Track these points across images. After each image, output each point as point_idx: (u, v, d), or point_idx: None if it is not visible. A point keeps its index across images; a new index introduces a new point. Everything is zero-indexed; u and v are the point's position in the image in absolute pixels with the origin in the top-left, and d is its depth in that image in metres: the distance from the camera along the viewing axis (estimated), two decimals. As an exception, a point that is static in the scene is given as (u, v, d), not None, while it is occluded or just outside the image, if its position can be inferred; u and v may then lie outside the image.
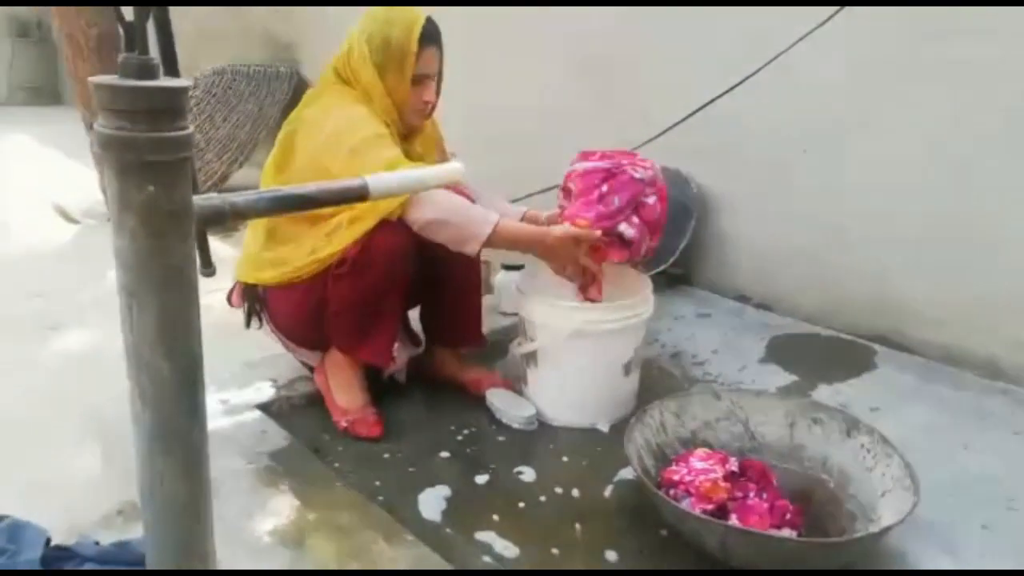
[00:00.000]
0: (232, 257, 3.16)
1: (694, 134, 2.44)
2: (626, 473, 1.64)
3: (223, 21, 5.08)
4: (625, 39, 2.79)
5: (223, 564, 0.89)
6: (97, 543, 1.53)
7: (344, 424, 1.80)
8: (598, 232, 1.76)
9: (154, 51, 0.74)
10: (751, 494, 1.43)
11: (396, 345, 1.86)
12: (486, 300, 2.12)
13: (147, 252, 0.72)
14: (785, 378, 2.05)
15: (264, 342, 1.98)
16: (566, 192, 1.88)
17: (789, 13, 2.25)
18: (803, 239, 2.44)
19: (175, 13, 0.84)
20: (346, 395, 1.83)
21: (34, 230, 3.99)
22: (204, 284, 0.81)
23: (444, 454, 1.73)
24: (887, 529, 1.26)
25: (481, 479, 1.64)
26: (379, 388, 1.92)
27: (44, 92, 8.42)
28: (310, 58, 4.48)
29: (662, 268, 2.56)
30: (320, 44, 4.36)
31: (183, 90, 0.70)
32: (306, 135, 1.73)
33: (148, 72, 0.69)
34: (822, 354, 2.21)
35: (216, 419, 1.71)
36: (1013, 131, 1.96)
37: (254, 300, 1.85)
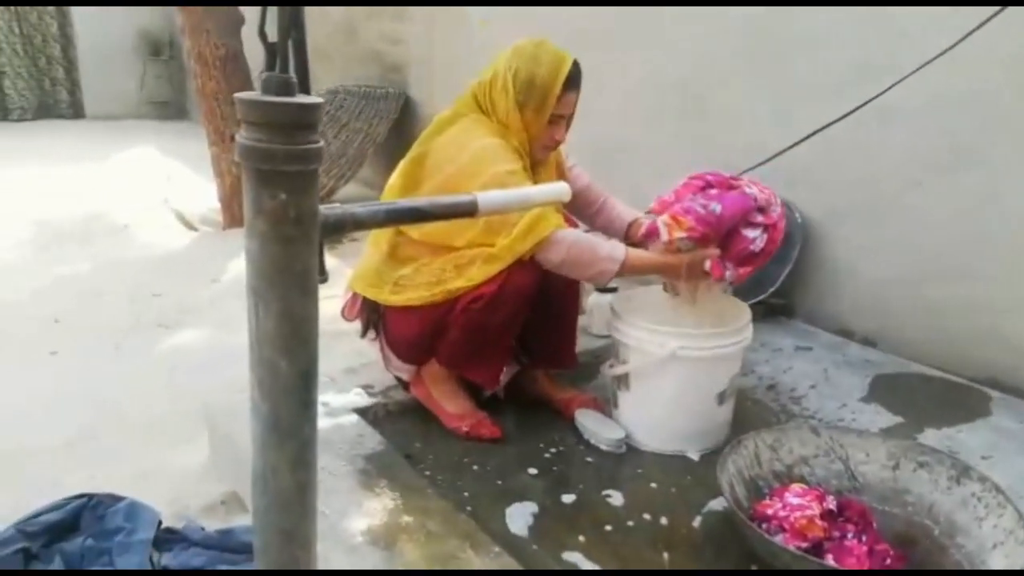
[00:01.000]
0: (337, 268, 3.32)
1: (800, 162, 2.39)
2: (715, 504, 1.61)
3: (337, 44, 5.33)
4: (726, 65, 2.77)
5: (319, 558, 0.93)
6: (203, 529, 1.62)
7: (465, 428, 1.85)
8: (717, 251, 1.75)
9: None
10: (849, 535, 1.38)
11: (504, 369, 1.91)
12: (579, 321, 2.13)
13: (275, 256, 0.77)
14: (889, 419, 1.97)
15: (364, 350, 2.05)
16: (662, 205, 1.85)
17: (900, 43, 2.18)
18: (912, 273, 2.34)
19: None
20: (455, 403, 1.89)
21: (155, 234, 4.26)
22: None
23: (532, 470, 1.75)
24: (998, 583, 1.20)
25: (568, 498, 1.64)
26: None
27: (171, 107, 9.02)
28: (417, 80, 4.64)
29: (762, 298, 2.50)
30: (426, 66, 4.52)
31: (318, 106, 0.75)
32: (440, 160, 1.77)
33: (287, 89, 0.75)
34: (930, 396, 2.11)
35: (318, 420, 1.78)
36: None
37: (373, 313, 1.90)
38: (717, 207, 1.73)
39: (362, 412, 1.88)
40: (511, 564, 1.34)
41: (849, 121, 2.22)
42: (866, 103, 2.16)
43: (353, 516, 1.45)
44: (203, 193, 4.67)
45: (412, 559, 1.33)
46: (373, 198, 2.01)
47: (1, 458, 2.00)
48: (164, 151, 6.64)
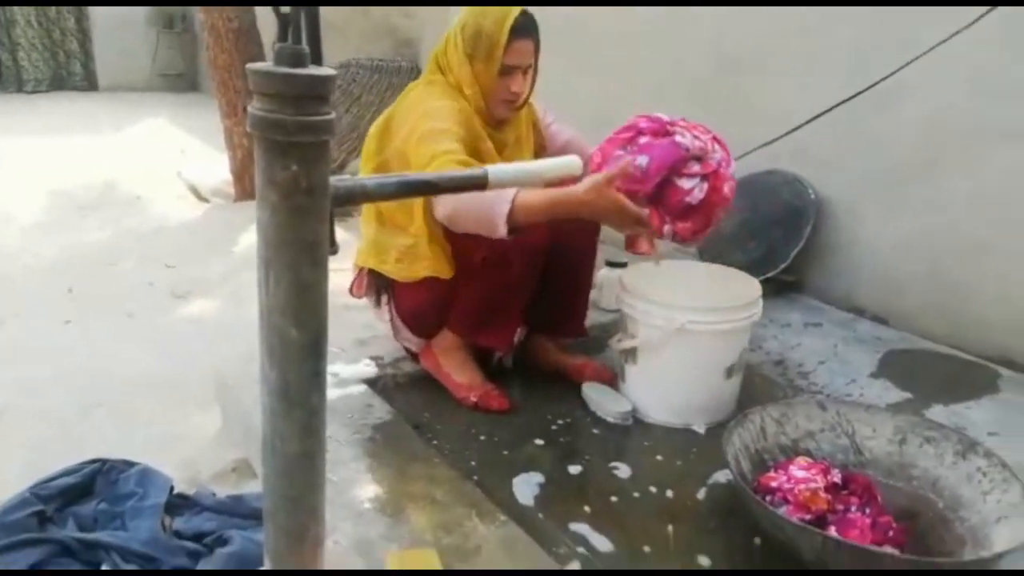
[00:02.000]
0: (347, 240, 3.33)
1: (813, 139, 2.37)
2: (720, 476, 1.62)
3: (349, 16, 5.29)
4: (751, 40, 2.74)
5: (327, 525, 0.95)
6: (214, 494, 1.65)
7: (474, 399, 1.86)
8: (623, 163, 1.54)
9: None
10: (853, 508, 1.39)
11: (518, 330, 1.92)
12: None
13: (286, 226, 0.77)
14: (897, 395, 1.97)
15: (374, 322, 2.07)
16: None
17: (921, 18, 2.15)
18: (927, 251, 2.33)
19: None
20: (464, 374, 1.91)
21: (167, 206, 4.29)
22: (325, 262, 0.87)
23: (539, 441, 1.76)
24: (1000, 555, 1.20)
25: (575, 469, 1.66)
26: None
27: (183, 80, 9.03)
28: (430, 53, 4.61)
29: (771, 274, 2.50)
30: (440, 39, 4.48)
31: (330, 78, 0.75)
32: (399, 124, 1.79)
33: (299, 60, 0.75)
34: (940, 373, 2.11)
35: (327, 390, 1.80)
36: None
37: (381, 285, 1.93)
38: (644, 160, 1.57)
39: (371, 383, 1.90)
40: (517, 533, 1.36)
41: (863, 98, 2.20)
42: (883, 79, 2.14)
43: (361, 484, 1.48)
44: (215, 165, 4.69)
45: (419, 526, 1.36)
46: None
47: (16, 423, 2.04)
48: (177, 123, 6.66)
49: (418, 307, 1.87)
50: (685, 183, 1.58)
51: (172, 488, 1.64)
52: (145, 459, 1.74)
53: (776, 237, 2.60)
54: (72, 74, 8.65)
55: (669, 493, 1.59)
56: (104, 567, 1.41)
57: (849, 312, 2.51)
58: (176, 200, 4.41)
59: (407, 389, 1.95)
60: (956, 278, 2.27)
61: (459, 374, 1.91)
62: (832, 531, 1.34)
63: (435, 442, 1.73)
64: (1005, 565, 1.24)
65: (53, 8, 8.37)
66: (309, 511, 0.91)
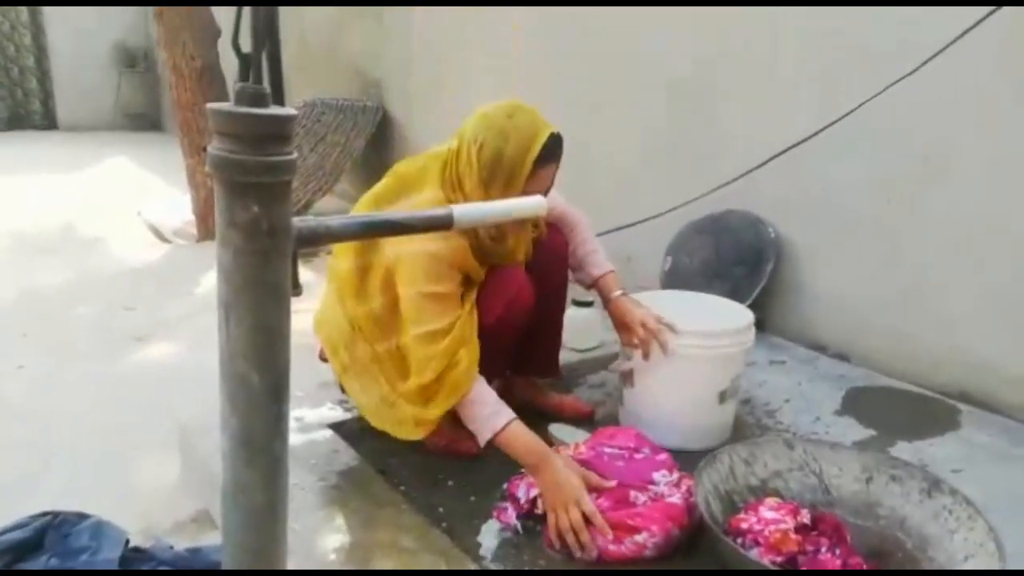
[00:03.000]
0: (312, 281, 3.30)
1: (777, 181, 2.42)
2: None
3: (315, 57, 5.32)
4: (711, 77, 2.80)
5: None
6: (172, 547, 1.58)
7: (442, 444, 1.81)
8: (614, 482, 1.53)
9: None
10: (823, 549, 1.38)
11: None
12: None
13: (247, 268, 0.76)
14: (861, 432, 1.99)
15: (338, 364, 2.03)
16: None
17: (870, 63, 2.23)
18: (884, 289, 2.37)
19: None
20: None
21: (128, 247, 4.21)
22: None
23: (507, 486, 1.73)
24: (969, 595, 1.20)
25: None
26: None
27: (146, 119, 8.95)
28: (396, 95, 4.64)
29: (736, 312, 2.52)
30: (405, 81, 4.52)
31: (291, 118, 0.74)
32: (392, 244, 1.62)
33: (260, 100, 0.74)
34: (902, 409, 2.13)
35: (291, 435, 1.76)
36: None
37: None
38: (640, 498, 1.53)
39: (336, 427, 1.86)
40: (486, 580, 1.33)
41: (820, 138, 2.26)
42: (839, 119, 2.20)
43: (325, 532, 1.44)
44: (177, 206, 4.63)
45: (386, 576, 1.32)
46: (351, 211, 1.98)
47: (-36, 475, 1.95)
48: (138, 163, 6.58)
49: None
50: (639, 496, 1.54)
51: (127, 542, 1.58)
52: (102, 509, 1.66)
53: (739, 276, 2.63)
54: (31, 113, 8.54)
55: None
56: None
57: (812, 349, 2.54)
58: (137, 241, 4.34)
59: (373, 433, 1.90)
60: (910, 316, 2.31)
61: None
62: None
63: (402, 488, 1.69)
64: (974, 603, 1.24)
65: (12, 46, 8.29)
66: (271, 563, 0.87)
